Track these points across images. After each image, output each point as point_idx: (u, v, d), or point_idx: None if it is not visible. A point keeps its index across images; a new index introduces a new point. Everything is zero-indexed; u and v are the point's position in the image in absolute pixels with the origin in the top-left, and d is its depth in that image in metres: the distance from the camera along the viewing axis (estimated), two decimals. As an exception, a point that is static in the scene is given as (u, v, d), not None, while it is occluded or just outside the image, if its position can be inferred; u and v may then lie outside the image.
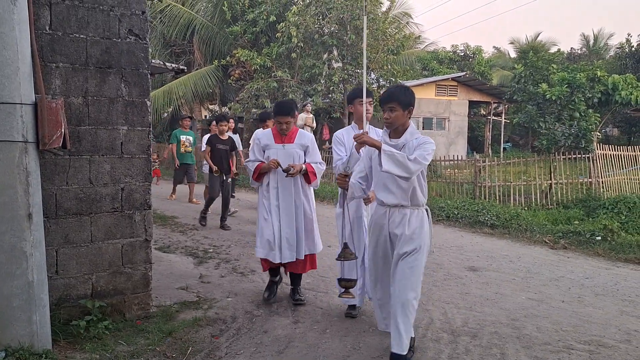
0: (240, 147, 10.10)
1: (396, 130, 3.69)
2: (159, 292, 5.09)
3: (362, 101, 4.45)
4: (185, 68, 13.02)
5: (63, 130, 3.52)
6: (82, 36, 3.90)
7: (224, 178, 8.92)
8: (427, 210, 3.70)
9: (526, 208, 10.76)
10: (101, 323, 4.01)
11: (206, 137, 9.84)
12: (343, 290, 4.06)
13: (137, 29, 4.13)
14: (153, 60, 7.24)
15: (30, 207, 3.44)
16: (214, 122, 10.13)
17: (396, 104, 3.63)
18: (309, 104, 15.53)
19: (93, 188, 4.08)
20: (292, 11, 16.69)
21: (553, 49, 33.83)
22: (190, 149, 12.29)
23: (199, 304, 4.93)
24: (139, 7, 4.12)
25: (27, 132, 3.36)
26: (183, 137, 12.18)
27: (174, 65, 8.96)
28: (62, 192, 3.95)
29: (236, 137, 10.09)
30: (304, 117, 14.81)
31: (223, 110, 24.47)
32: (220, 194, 8.99)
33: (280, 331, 4.33)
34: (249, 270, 6.24)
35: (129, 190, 4.26)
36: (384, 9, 22.04)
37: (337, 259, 3.94)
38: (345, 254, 3.80)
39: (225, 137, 9.15)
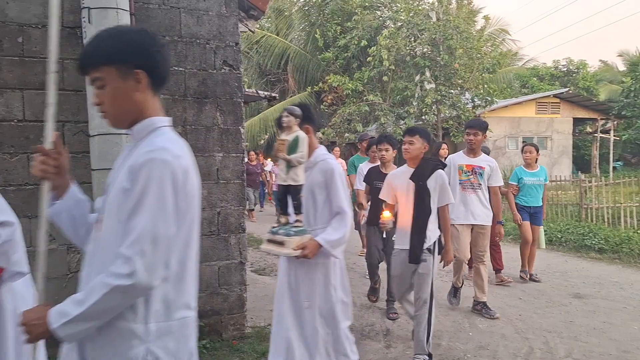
0: None
1: None
2: (253, 313, 5.21)
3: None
4: (277, 96, 13.50)
5: (163, 158, 3.73)
6: (180, 69, 4.16)
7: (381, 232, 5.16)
8: None
9: (639, 231, 9.91)
10: (199, 342, 4.15)
11: (363, 167, 6.61)
12: None
13: (231, 60, 4.34)
14: (246, 89, 7.56)
15: (134, 230, 3.66)
16: (363, 143, 7.69)
17: None
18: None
19: (191, 212, 4.28)
20: (383, 35, 16.78)
21: (668, 60, 31.29)
22: None
23: (291, 326, 4.98)
24: (233, 39, 4.34)
25: (131, 160, 3.61)
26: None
27: (266, 93, 9.29)
28: (163, 216, 4.18)
29: None
30: None
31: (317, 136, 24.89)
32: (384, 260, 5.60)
33: (371, 355, 4.29)
34: (341, 294, 6.22)
35: (225, 215, 4.43)
36: (478, 27, 21.64)
37: None
38: None
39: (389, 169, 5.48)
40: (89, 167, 3.67)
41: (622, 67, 34.37)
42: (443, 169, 4.24)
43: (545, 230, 9.73)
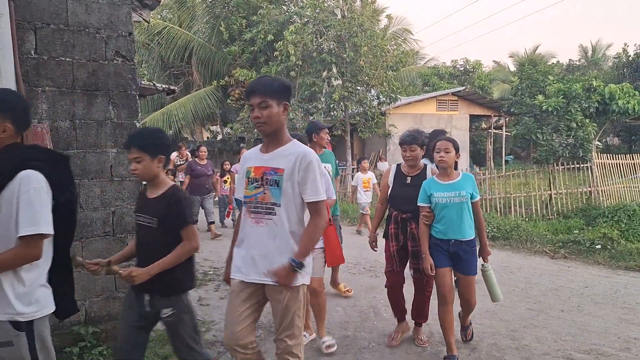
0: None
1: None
2: (154, 315, 5.03)
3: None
4: (177, 89, 12.85)
5: (49, 154, 3.50)
6: (68, 59, 3.90)
7: None
8: None
9: (527, 219, 10.74)
10: (95, 349, 3.95)
11: None
12: None
13: (124, 51, 4.13)
14: (142, 82, 7.24)
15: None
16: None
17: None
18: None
19: (83, 212, 4.04)
20: (290, 30, 16.76)
21: (552, 61, 33.98)
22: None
23: (196, 327, 4.88)
24: (126, 28, 4.12)
25: (12, 156, 3.33)
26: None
27: (163, 85, 8.75)
28: (51, 216, 3.91)
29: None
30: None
31: (224, 132, 24.44)
32: None
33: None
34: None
35: (120, 214, 4.22)
36: (382, 25, 22.21)
37: None
38: None
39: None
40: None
41: (512, 68, 36.95)
42: (40, 166, 2.30)
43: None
